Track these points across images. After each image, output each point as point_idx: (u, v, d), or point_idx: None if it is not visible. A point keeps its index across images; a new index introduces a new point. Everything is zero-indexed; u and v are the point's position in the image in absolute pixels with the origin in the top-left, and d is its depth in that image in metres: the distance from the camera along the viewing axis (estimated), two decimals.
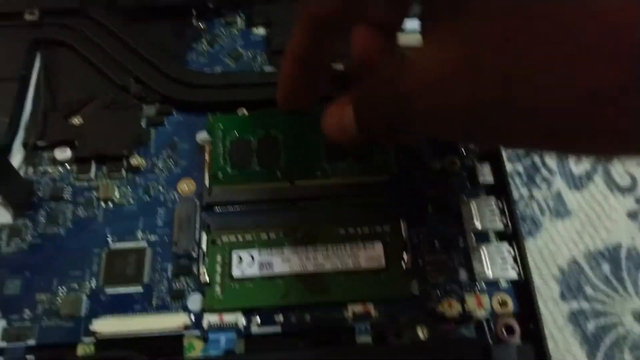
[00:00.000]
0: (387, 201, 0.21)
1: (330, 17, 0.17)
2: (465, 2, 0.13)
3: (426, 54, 0.14)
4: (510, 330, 0.19)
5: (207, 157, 0.22)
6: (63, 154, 0.22)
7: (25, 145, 0.23)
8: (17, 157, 0.23)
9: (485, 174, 0.22)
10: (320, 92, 0.20)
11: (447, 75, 0.13)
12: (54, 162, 0.22)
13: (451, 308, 0.19)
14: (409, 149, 0.22)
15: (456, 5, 0.13)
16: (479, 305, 0.19)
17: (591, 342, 0.20)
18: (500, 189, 0.21)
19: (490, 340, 0.18)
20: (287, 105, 0.20)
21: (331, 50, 0.19)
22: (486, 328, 0.19)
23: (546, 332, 0.20)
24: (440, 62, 0.13)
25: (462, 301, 0.19)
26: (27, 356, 0.19)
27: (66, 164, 0.22)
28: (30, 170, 0.22)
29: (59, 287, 0.20)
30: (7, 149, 0.23)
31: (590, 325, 0.21)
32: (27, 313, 0.19)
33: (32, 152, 0.22)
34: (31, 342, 0.19)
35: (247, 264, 0.20)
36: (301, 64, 0.18)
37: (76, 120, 0.23)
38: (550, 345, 0.20)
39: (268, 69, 0.25)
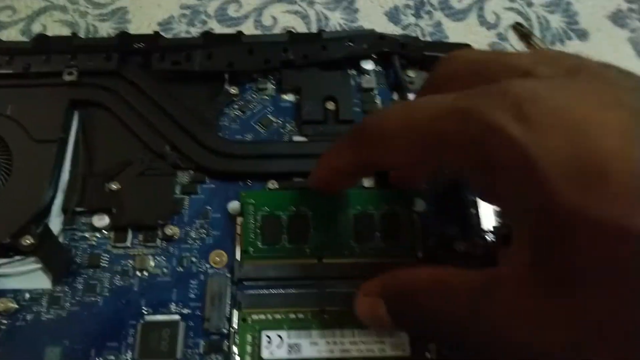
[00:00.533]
0: None
1: (385, 166, 0.18)
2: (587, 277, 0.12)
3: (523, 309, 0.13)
4: None
5: (238, 229, 0.23)
6: (101, 221, 0.23)
7: (65, 210, 0.24)
8: (56, 222, 0.23)
9: None
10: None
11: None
12: (92, 228, 0.23)
13: None
14: (436, 231, 0.23)
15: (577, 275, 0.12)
16: None
17: None
18: None
19: None
20: (319, 190, 0.22)
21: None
22: None
23: None
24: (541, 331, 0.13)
25: None
26: None
27: (104, 231, 0.23)
28: (69, 235, 0.23)
29: (97, 358, 0.21)
30: (47, 212, 0.23)
31: None
32: None
33: (71, 218, 0.23)
34: None
35: (276, 345, 0.21)
36: (340, 177, 0.19)
37: (114, 186, 0.24)
38: None
39: (297, 138, 0.26)
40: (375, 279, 0.19)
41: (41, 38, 0.28)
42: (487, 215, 0.24)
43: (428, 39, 0.31)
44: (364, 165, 0.19)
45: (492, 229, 0.23)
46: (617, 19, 0.32)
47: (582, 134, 0.12)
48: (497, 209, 0.23)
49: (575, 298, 0.12)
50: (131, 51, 0.27)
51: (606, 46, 0.31)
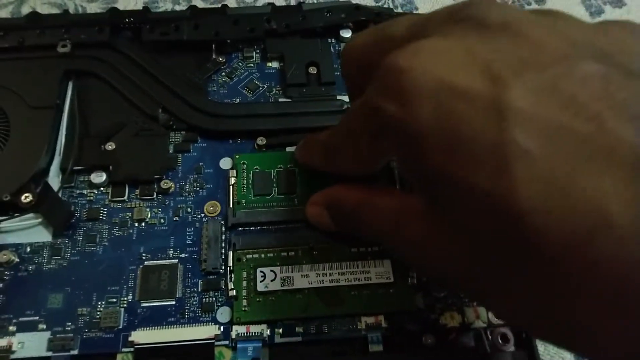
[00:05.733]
0: None
1: None
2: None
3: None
4: (505, 338, 0.21)
5: (231, 181, 0.24)
6: (99, 178, 0.24)
7: (63, 169, 0.25)
8: (55, 181, 0.25)
9: None
10: None
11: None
12: (90, 185, 0.24)
13: (453, 319, 0.21)
14: None
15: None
16: (477, 317, 0.21)
17: None
18: None
19: (487, 348, 0.21)
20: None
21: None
22: (484, 337, 0.21)
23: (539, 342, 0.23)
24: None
25: (462, 313, 0.22)
26: None
27: (101, 187, 0.24)
28: (68, 192, 0.24)
29: (99, 302, 0.22)
30: (46, 172, 0.25)
31: None
32: (69, 325, 0.21)
33: (69, 176, 0.24)
34: (74, 352, 0.21)
35: (270, 279, 0.22)
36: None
37: (109, 146, 0.25)
38: (541, 349, 0.23)
39: (282, 99, 0.27)
40: (320, 192, 0.22)
41: (33, 15, 0.29)
42: None
43: (399, 10, 0.33)
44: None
45: None
46: None
47: (441, 100, 0.13)
48: None
49: (450, 220, 0.15)
50: (122, 24, 0.28)
51: (561, 8, 0.33)
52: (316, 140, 0.22)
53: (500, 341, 0.21)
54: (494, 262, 0.14)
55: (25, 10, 0.32)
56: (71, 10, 0.32)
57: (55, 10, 0.32)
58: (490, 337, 0.21)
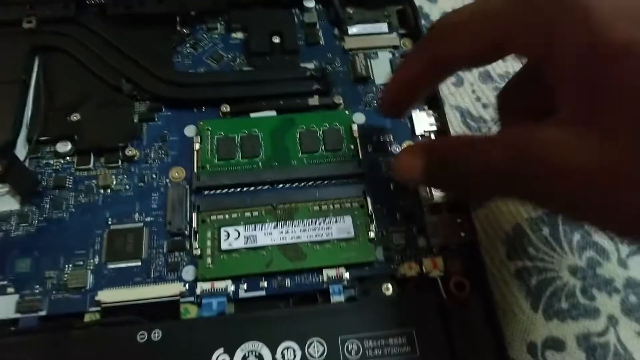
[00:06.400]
0: (355, 182, 0.24)
1: (456, 60, 0.19)
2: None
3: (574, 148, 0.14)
4: (460, 286, 0.22)
5: (196, 147, 0.25)
6: (64, 147, 0.25)
7: (29, 140, 0.25)
8: (22, 152, 0.25)
9: None
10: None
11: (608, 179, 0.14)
12: (56, 155, 0.25)
13: (411, 269, 0.22)
14: (374, 139, 0.26)
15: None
16: (434, 267, 0.22)
17: (534, 294, 0.24)
18: None
19: (443, 294, 0.22)
20: (388, 114, 0.24)
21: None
22: (440, 285, 0.22)
23: (495, 287, 0.23)
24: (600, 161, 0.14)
25: (420, 264, 0.22)
26: None
27: (67, 157, 0.25)
28: (34, 163, 0.25)
29: (66, 265, 0.22)
30: (13, 144, 0.25)
31: (533, 280, 0.24)
32: (37, 288, 0.22)
33: (35, 147, 0.25)
34: (42, 312, 0.21)
35: (233, 238, 0.22)
36: (410, 87, 0.21)
37: (74, 117, 0.26)
38: (498, 297, 0.23)
39: (247, 69, 0.28)
40: (418, 142, 0.21)
41: None
42: (419, 124, 0.26)
43: None
44: (433, 66, 0.20)
45: (422, 133, 0.26)
46: None
47: None
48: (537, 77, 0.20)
49: (619, 125, 0.13)
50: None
51: None
52: (429, 29, 0.20)
53: (455, 289, 0.21)
54: None
55: None
56: None
57: None
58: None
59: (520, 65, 0.21)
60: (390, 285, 0.22)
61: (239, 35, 0.29)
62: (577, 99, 0.15)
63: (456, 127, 0.28)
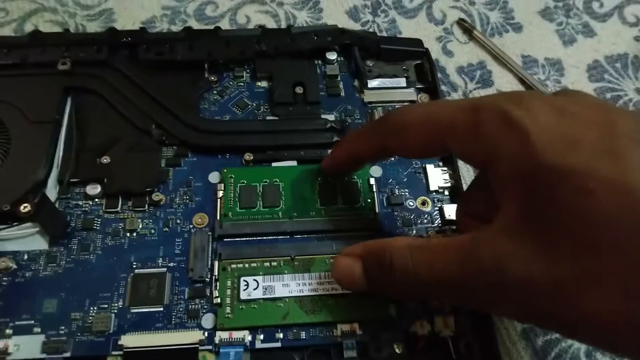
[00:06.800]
0: (371, 235, 0.25)
1: (402, 153, 0.21)
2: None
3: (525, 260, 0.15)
4: (470, 347, 0.22)
5: (219, 194, 0.26)
6: (94, 190, 0.26)
7: (60, 181, 0.26)
8: (52, 192, 0.26)
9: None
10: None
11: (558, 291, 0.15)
12: (86, 197, 0.26)
13: (422, 327, 0.23)
14: (390, 193, 0.27)
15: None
16: (445, 326, 0.23)
17: (540, 355, 0.25)
18: None
19: (453, 354, 0.22)
20: (331, 174, 0.26)
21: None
22: (451, 346, 0.23)
23: (502, 346, 0.24)
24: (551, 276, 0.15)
25: (432, 322, 0.23)
26: None
27: (96, 199, 0.26)
28: (64, 203, 0.26)
29: (91, 307, 0.23)
30: (44, 184, 0.26)
31: (539, 341, 0.25)
32: (63, 329, 0.23)
33: (66, 188, 0.26)
34: (67, 354, 0.22)
35: (252, 288, 0.23)
36: (354, 160, 0.23)
37: (105, 160, 0.27)
38: (505, 358, 0.24)
39: (270, 118, 0.29)
40: (357, 244, 0.21)
41: (36, 33, 0.31)
42: (433, 179, 0.27)
43: (384, 34, 0.35)
44: (380, 150, 0.22)
45: (437, 189, 0.27)
46: (546, 14, 0.37)
47: (565, 117, 0.16)
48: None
49: (558, 233, 0.15)
50: (119, 44, 0.30)
51: (537, 37, 0.35)
52: (381, 120, 0.22)
53: (465, 350, 0.22)
54: (599, 251, 0.14)
55: (28, 28, 0.34)
56: (72, 29, 0.34)
57: (56, 29, 0.34)
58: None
59: None
60: (401, 343, 0.23)
61: (263, 84, 0.30)
62: (519, 212, 0.16)
63: (469, 182, 0.29)
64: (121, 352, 0.22)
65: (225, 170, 0.26)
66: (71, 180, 0.26)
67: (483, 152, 0.18)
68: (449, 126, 0.19)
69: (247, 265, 0.24)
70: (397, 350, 0.22)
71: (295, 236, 0.25)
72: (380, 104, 0.30)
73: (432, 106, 0.20)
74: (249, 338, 0.22)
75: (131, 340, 0.22)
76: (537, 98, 0.17)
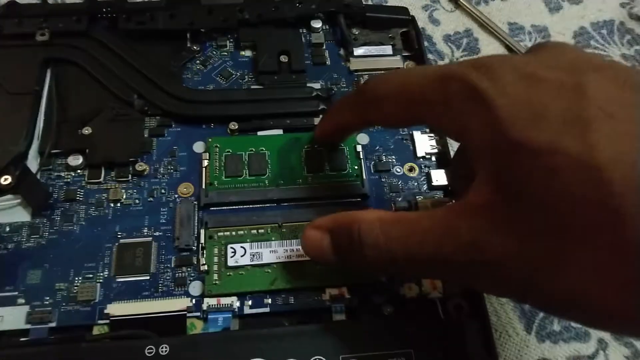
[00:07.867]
0: (358, 202, 0.25)
1: (383, 123, 0.21)
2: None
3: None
4: (459, 308, 0.22)
5: (204, 164, 0.25)
6: (76, 160, 0.25)
7: (41, 153, 0.26)
8: (33, 164, 0.25)
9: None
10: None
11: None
12: (68, 168, 0.25)
13: (410, 290, 0.23)
14: (377, 159, 0.26)
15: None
16: (434, 288, 0.23)
17: (528, 316, 0.25)
18: None
19: (441, 314, 0.22)
20: (323, 145, 0.26)
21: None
22: (439, 307, 0.23)
23: (490, 308, 0.24)
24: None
25: (420, 285, 0.23)
26: None
27: (78, 170, 0.25)
28: (46, 175, 0.25)
29: (76, 277, 0.23)
30: (25, 156, 0.25)
31: None
32: (47, 299, 0.22)
33: (47, 159, 0.25)
34: (52, 324, 0.22)
35: (240, 255, 0.23)
36: (342, 131, 0.23)
37: (86, 131, 0.26)
38: (494, 319, 0.24)
39: (254, 87, 0.29)
40: (326, 216, 0.20)
41: (12, 4, 0.30)
42: (420, 146, 0.27)
43: (370, 2, 0.34)
44: (361, 122, 0.23)
45: (424, 155, 0.27)
46: None
47: (533, 85, 0.15)
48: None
49: (526, 211, 0.15)
50: (99, 14, 0.29)
51: (523, 4, 0.35)
52: (359, 91, 0.22)
53: (453, 311, 0.22)
54: (566, 230, 0.14)
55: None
56: (50, 1, 0.33)
57: (34, 0, 0.33)
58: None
59: None
60: (390, 306, 0.23)
61: (247, 53, 0.30)
62: (492, 188, 0.16)
63: (456, 148, 0.29)
64: (107, 321, 0.22)
65: (210, 140, 0.26)
66: (52, 151, 0.26)
67: (454, 125, 0.17)
68: (421, 99, 0.18)
69: (234, 233, 0.24)
70: (385, 312, 0.22)
71: (282, 204, 0.25)
72: (366, 72, 0.30)
73: (405, 77, 0.20)
74: (237, 304, 0.22)
75: (118, 309, 0.22)
76: (507, 63, 0.16)
